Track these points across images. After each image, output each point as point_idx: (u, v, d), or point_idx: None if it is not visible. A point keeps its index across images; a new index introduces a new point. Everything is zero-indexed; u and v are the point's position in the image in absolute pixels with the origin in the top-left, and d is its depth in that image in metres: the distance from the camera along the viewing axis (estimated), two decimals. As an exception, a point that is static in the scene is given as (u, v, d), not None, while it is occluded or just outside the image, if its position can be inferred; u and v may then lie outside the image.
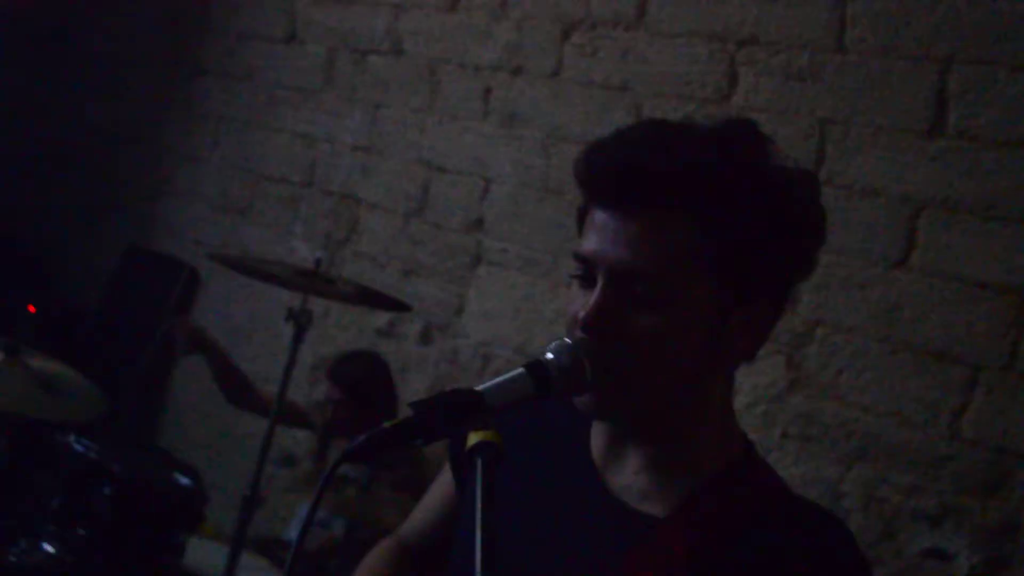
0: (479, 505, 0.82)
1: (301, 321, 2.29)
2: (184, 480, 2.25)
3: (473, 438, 0.86)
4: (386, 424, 0.88)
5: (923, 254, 2.45)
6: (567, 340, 0.94)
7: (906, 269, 2.48)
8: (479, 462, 0.85)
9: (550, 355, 0.93)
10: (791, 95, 2.64)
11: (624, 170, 0.93)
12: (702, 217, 0.91)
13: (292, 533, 2.89)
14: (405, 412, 0.98)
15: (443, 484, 1.22)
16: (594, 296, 0.94)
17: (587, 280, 0.96)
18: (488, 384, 0.90)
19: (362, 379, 2.87)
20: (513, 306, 3.17)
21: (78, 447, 2.07)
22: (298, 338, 2.31)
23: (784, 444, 2.63)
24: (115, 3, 4.66)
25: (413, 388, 3.24)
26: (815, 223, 0.99)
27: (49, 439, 2.10)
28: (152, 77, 4.52)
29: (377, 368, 2.97)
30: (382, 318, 3.48)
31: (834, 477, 2.54)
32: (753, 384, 2.68)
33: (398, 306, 2.49)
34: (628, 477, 1.03)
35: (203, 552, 2.28)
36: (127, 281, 4.21)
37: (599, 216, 0.96)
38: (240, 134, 4.11)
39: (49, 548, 1.93)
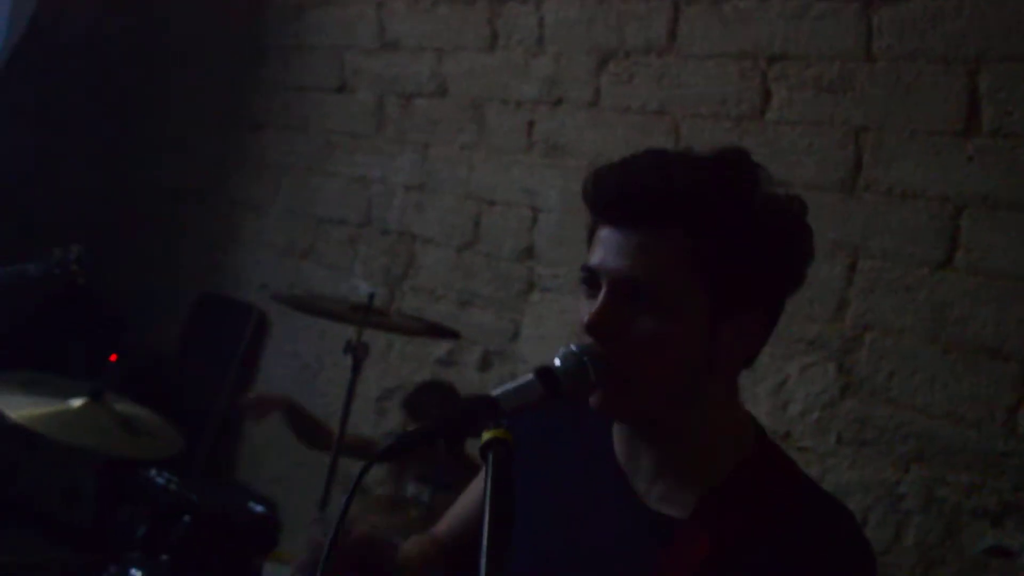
0: (489, 496, 0.91)
1: (358, 353, 2.42)
2: (258, 508, 2.38)
3: (486, 436, 0.95)
4: (413, 427, 0.99)
5: (967, 253, 2.46)
6: (572, 347, 1.03)
7: (951, 269, 2.49)
8: (490, 457, 0.94)
9: (558, 361, 1.03)
10: (824, 106, 2.68)
11: (625, 191, 1.03)
12: (695, 233, 1.01)
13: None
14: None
15: (476, 486, 1.31)
16: (598, 303, 1.04)
17: (594, 290, 1.06)
18: (502, 389, 1.00)
19: (433, 408, 2.96)
20: (566, 328, 3.25)
21: (159, 480, 2.22)
22: (356, 369, 2.43)
23: (839, 449, 2.64)
24: (179, 65, 4.92)
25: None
26: (800, 241, 1.08)
27: (133, 474, 2.25)
28: (215, 133, 4.76)
29: (447, 397, 3.07)
30: (442, 348, 3.59)
31: (892, 480, 2.54)
32: (805, 392, 2.71)
33: (448, 334, 2.59)
34: (649, 480, 1.11)
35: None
36: (201, 327, 4.41)
37: (604, 232, 1.06)
38: (299, 181, 4.30)
39: (136, 574, 2.09)
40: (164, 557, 2.10)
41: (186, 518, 2.11)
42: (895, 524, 2.51)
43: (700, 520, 1.06)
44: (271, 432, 4.04)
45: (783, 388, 2.76)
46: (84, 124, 4.82)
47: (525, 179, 3.44)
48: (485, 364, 3.49)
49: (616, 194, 1.05)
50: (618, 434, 1.16)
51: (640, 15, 3.05)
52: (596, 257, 1.06)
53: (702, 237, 1.02)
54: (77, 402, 2.44)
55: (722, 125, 2.88)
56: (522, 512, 1.21)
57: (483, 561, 0.88)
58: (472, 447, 1.00)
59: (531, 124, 3.42)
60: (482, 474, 1.29)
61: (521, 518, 1.20)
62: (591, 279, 1.07)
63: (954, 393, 2.46)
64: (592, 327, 1.04)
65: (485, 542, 0.88)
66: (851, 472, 2.61)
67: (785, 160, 2.76)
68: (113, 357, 3.38)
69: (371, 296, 2.54)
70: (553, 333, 3.30)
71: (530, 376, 1.03)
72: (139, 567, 2.09)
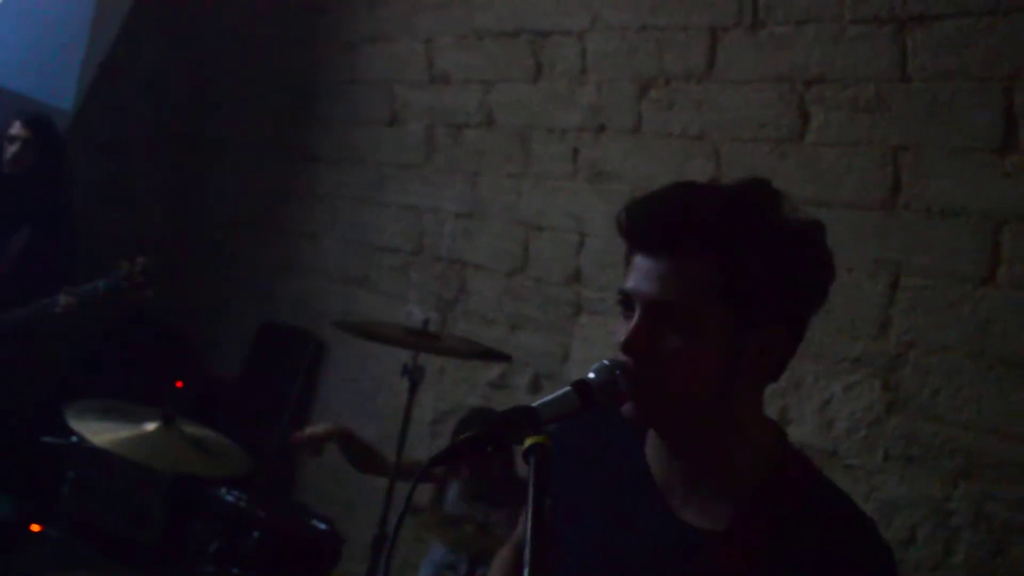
0: (531, 495, 1.00)
1: (414, 375, 2.52)
2: (321, 525, 2.49)
3: (528, 441, 1.04)
4: (462, 436, 1.08)
5: (1009, 268, 2.48)
6: (606, 361, 1.12)
7: (994, 285, 2.50)
8: (532, 459, 1.03)
9: (592, 375, 1.12)
10: (862, 127, 2.73)
11: (653, 221, 1.13)
12: (718, 259, 1.10)
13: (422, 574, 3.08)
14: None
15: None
16: (632, 324, 1.12)
17: (629, 311, 1.15)
18: (542, 400, 1.10)
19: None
20: (614, 350, 3.32)
21: (229, 498, 2.34)
22: (413, 391, 2.54)
23: (887, 466, 2.66)
24: (237, 101, 5.13)
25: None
26: (818, 262, 1.16)
27: (203, 492, 2.38)
28: (272, 166, 4.94)
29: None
30: (493, 371, 3.68)
31: (940, 496, 2.55)
32: (851, 410, 2.74)
33: (499, 357, 2.69)
34: (683, 495, 1.19)
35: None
36: (262, 354, 4.57)
37: (637, 259, 1.15)
38: (353, 211, 4.45)
39: (209, 585, 2.21)
40: (235, 571, 2.21)
41: (255, 533, 2.22)
42: (944, 540, 2.51)
43: (734, 534, 1.13)
44: (328, 455, 4.17)
45: (828, 407, 2.79)
46: (150, 158, 5.05)
47: (571, 205, 3.52)
48: (536, 386, 3.57)
49: (645, 225, 1.14)
50: (652, 451, 1.24)
51: (679, 43, 3.14)
52: (630, 282, 1.15)
53: (725, 262, 1.10)
54: (151, 426, 2.59)
55: (762, 148, 2.94)
56: (564, 525, 1.29)
57: (527, 554, 0.96)
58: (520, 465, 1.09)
59: (576, 151, 3.52)
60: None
61: (563, 531, 1.29)
62: (627, 301, 1.16)
63: (1000, 408, 2.46)
64: (626, 346, 1.13)
65: (528, 538, 0.97)
66: (899, 489, 2.63)
67: (825, 181, 2.81)
68: (179, 384, 3.54)
69: (425, 321, 2.65)
70: (601, 354, 3.29)
71: (567, 388, 1.12)
72: (211, 580, 2.22)
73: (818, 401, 2.80)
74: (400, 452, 2.78)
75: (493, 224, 3.81)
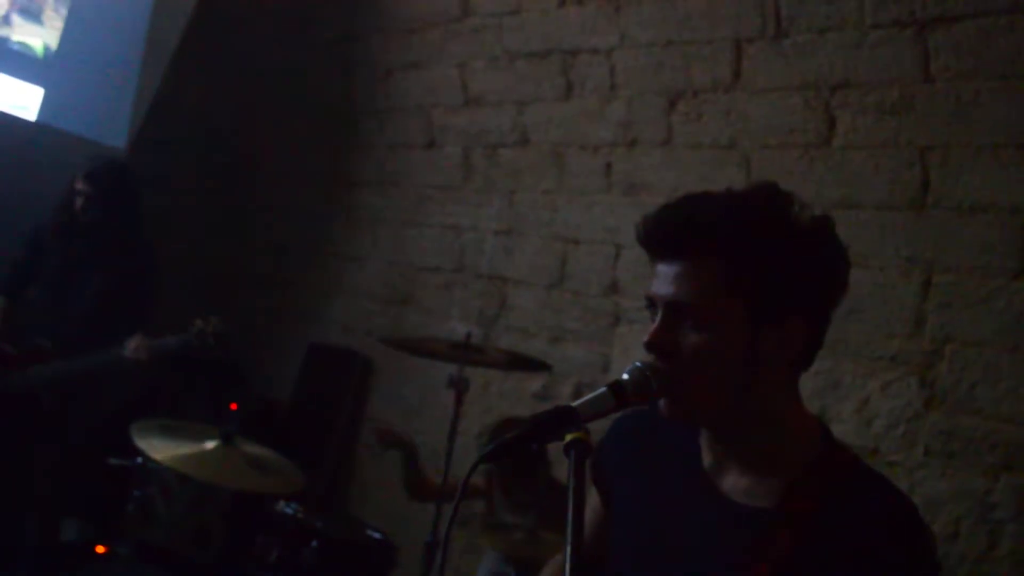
0: (571, 487, 1.08)
1: (459, 386, 2.62)
2: (376, 534, 2.59)
3: (568, 437, 1.13)
4: (508, 436, 1.17)
5: (1041, 261, 2.51)
6: (638, 363, 1.20)
7: (1027, 278, 2.54)
8: (572, 454, 1.11)
9: (625, 375, 1.20)
10: (888, 129, 2.78)
11: (664, 230, 1.22)
12: (727, 259, 1.19)
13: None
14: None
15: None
16: (654, 325, 1.21)
17: (655, 315, 1.23)
18: (580, 401, 1.19)
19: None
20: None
21: (287, 510, 2.45)
22: (459, 402, 2.63)
23: (928, 462, 2.68)
24: (281, 131, 5.30)
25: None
26: (828, 257, 1.23)
27: (262, 506, 2.49)
28: (316, 191, 5.09)
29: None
30: (537, 383, 3.76)
31: (982, 489, 2.57)
32: (889, 407, 2.77)
33: (539, 366, 2.77)
34: (733, 479, 1.26)
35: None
36: (311, 375, 4.71)
37: (657, 266, 1.26)
38: (395, 233, 4.57)
39: (271, 592, 2.32)
40: (294, 578, 2.33)
41: (313, 543, 2.33)
42: (988, 533, 2.53)
43: (782, 509, 1.20)
44: (380, 472, 4.28)
45: (867, 405, 2.82)
46: (198, 190, 5.23)
47: (606, 218, 3.60)
48: (578, 396, 3.60)
49: (658, 234, 1.24)
50: (704, 443, 1.33)
51: (705, 56, 3.21)
52: (652, 288, 1.25)
53: (733, 262, 1.18)
54: (210, 444, 2.72)
55: (791, 154, 3.00)
56: (620, 508, 1.38)
57: (568, 550, 1.04)
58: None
59: (609, 165, 3.60)
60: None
61: (619, 517, 1.38)
62: (652, 306, 1.25)
63: (1039, 400, 2.49)
64: (649, 345, 1.22)
65: (569, 528, 1.05)
66: (941, 484, 2.65)
67: (854, 183, 2.86)
68: (233, 406, 3.66)
69: (468, 334, 2.74)
70: (641, 363, 3.42)
71: (603, 389, 1.21)
72: (273, 587, 2.33)
73: (856, 400, 2.84)
74: (448, 465, 2.87)
75: (531, 240, 3.90)
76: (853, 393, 2.84)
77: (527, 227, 3.92)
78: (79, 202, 3.40)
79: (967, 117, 2.61)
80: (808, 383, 2.87)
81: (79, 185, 3.41)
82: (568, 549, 1.06)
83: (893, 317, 2.76)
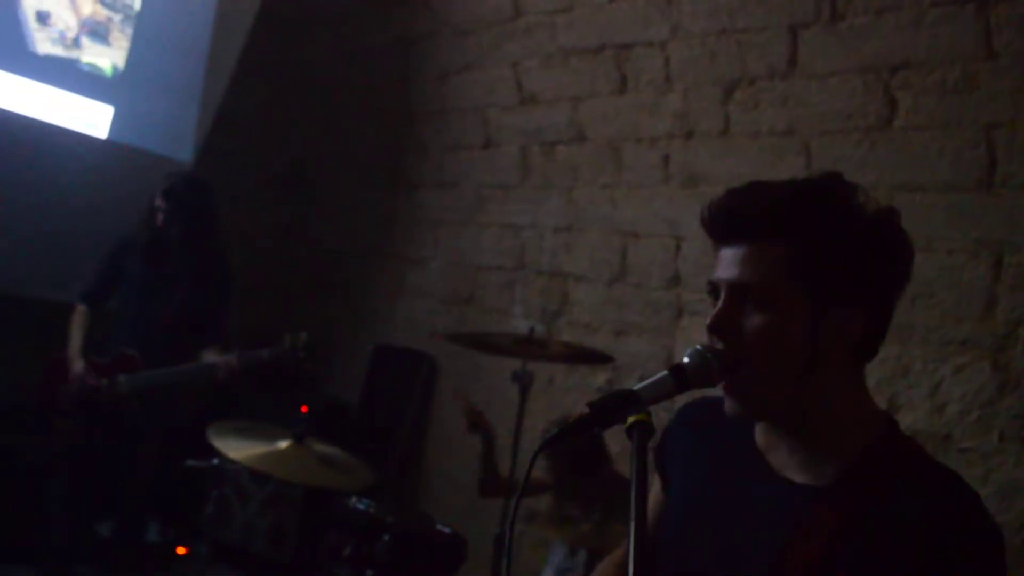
0: (634, 468, 1.10)
1: (524, 380, 2.65)
2: (446, 529, 2.64)
3: (631, 420, 1.15)
4: (571, 419, 1.19)
5: (1116, 238, 2.45)
6: (699, 347, 1.22)
7: (1101, 256, 2.48)
8: (635, 435, 1.13)
9: (686, 359, 1.22)
10: (951, 109, 2.73)
11: (729, 215, 1.24)
12: (790, 244, 1.20)
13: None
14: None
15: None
16: (717, 307, 1.22)
17: (717, 299, 1.25)
18: (641, 384, 1.20)
19: (573, 451, 3.12)
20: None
21: (359, 506, 2.52)
22: (524, 396, 2.66)
23: (1004, 447, 2.63)
24: (341, 136, 5.40)
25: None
26: (891, 246, 1.24)
27: (334, 502, 2.56)
28: (377, 195, 5.18)
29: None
30: (601, 377, 3.77)
31: (1061, 475, 2.51)
32: (962, 392, 2.72)
33: (601, 358, 2.79)
34: (785, 458, 1.27)
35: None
36: (378, 376, 4.79)
37: (721, 251, 1.27)
38: (456, 234, 4.63)
39: (346, 587, 2.39)
40: (369, 572, 2.38)
41: (385, 537, 2.39)
42: (1068, 519, 2.48)
43: (836, 488, 1.21)
44: (447, 471, 4.34)
45: (939, 391, 2.78)
46: (263, 199, 5.36)
47: (665, 210, 3.60)
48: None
49: (723, 219, 1.26)
50: (759, 428, 1.34)
51: (760, 43, 3.19)
52: (717, 272, 1.27)
53: (797, 245, 1.19)
54: (283, 444, 2.80)
55: (851, 139, 2.96)
56: (677, 493, 1.39)
57: (631, 529, 1.06)
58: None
59: (667, 158, 3.59)
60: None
61: (676, 498, 1.39)
62: (714, 291, 1.27)
63: (1118, 380, 2.42)
64: (712, 327, 1.23)
65: (633, 509, 1.07)
66: (1016, 471, 2.59)
67: (918, 166, 2.81)
68: (304, 408, 3.75)
69: (531, 329, 2.77)
70: (705, 354, 3.41)
71: (664, 373, 1.22)
72: (348, 581, 2.40)
73: (928, 386, 2.79)
74: (514, 460, 2.90)
75: (591, 235, 3.91)
76: (924, 379, 2.79)
77: (586, 223, 3.94)
78: (160, 218, 3.52)
79: (1034, 92, 2.55)
80: (877, 370, 2.86)
81: (158, 202, 3.53)
82: (632, 529, 1.08)
83: (963, 300, 2.71)
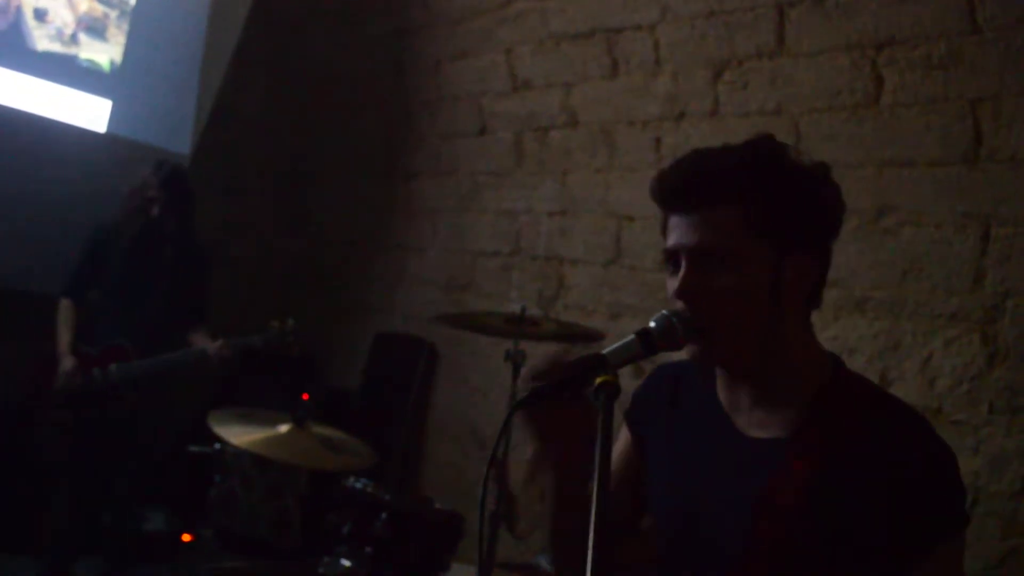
0: (600, 427, 1.13)
1: (516, 359, 2.68)
2: (444, 507, 2.68)
3: (598, 380, 1.18)
4: (542, 383, 1.23)
5: (1101, 209, 2.46)
6: (664, 312, 1.25)
7: (1087, 227, 2.49)
8: (602, 395, 1.17)
9: (652, 324, 1.25)
10: (937, 84, 2.75)
11: (680, 184, 1.28)
12: (740, 203, 1.26)
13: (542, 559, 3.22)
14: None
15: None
16: (681, 273, 1.27)
17: (675, 267, 1.29)
18: (610, 348, 1.24)
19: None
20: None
21: (358, 485, 2.56)
22: (516, 373, 2.70)
23: (993, 419, 2.65)
24: (338, 127, 5.44)
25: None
26: (828, 196, 1.31)
27: (335, 483, 2.61)
28: (375, 185, 5.21)
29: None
30: (596, 358, 3.79)
31: (1049, 444, 2.54)
32: (952, 365, 2.75)
33: (595, 336, 2.82)
34: (746, 414, 1.32)
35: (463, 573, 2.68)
36: (378, 363, 4.83)
37: (672, 219, 1.31)
38: (453, 221, 4.66)
39: (346, 563, 2.44)
40: (368, 549, 2.43)
41: (383, 515, 2.43)
42: (1056, 488, 2.50)
43: (797, 437, 1.27)
44: (446, 454, 4.38)
45: (929, 364, 2.80)
46: (262, 190, 5.40)
47: (658, 192, 3.61)
48: (639, 371, 3.66)
49: (675, 188, 1.31)
50: (720, 385, 1.38)
51: (747, 23, 3.21)
52: (671, 240, 1.31)
53: (750, 206, 1.25)
54: (284, 428, 2.85)
55: (839, 116, 2.98)
56: (653, 460, 1.43)
57: (595, 486, 1.09)
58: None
59: (658, 140, 3.62)
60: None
61: (653, 466, 1.43)
62: (673, 259, 1.30)
63: (1105, 350, 2.44)
64: (681, 292, 1.27)
65: (597, 467, 1.10)
66: (1007, 441, 2.62)
67: (905, 141, 2.83)
68: (305, 396, 3.79)
69: (523, 308, 2.80)
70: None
71: (631, 337, 1.26)
72: (348, 558, 2.44)
73: (918, 360, 2.82)
74: (507, 443, 2.91)
75: (585, 219, 3.94)
76: (914, 353, 2.82)
77: (581, 207, 3.97)
78: (155, 208, 3.55)
79: (1017, 66, 2.57)
80: (868, 345, 2.88)
81: (153, 192, 3.55)
82: (596, 486, 1.10)
83: (952, 274, 2.73)
